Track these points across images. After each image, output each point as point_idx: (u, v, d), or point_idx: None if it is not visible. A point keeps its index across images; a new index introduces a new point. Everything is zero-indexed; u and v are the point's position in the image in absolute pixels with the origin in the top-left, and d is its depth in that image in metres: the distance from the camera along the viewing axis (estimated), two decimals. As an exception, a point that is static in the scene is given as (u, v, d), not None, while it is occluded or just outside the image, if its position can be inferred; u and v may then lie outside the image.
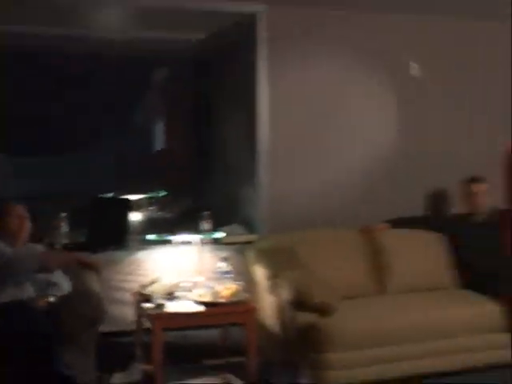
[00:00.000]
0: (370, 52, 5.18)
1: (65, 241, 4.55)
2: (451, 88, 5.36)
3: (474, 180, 4.75)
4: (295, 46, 4.96)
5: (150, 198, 5.94)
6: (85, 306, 3.58)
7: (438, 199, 5.29)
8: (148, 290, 4.01)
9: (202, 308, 3.87)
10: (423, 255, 4.67)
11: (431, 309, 4.14)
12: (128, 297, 4.40)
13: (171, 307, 3.87)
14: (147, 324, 3.93)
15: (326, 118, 5.08)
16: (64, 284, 3.60)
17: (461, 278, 4.65)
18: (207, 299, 3.92)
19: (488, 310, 3.78)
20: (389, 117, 5.32)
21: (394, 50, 5.23)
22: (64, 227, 4.60)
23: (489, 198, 4.61)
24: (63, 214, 4.60)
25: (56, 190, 5.55)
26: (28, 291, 3.29)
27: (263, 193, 4.96)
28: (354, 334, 3.73)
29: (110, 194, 5.61)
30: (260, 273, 4.27)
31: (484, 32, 5.30)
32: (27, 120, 5.90)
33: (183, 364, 4.20)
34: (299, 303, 3.75)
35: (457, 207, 4.98)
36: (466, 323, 4.00)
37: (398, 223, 4.83)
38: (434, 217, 5.16)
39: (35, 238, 3.94)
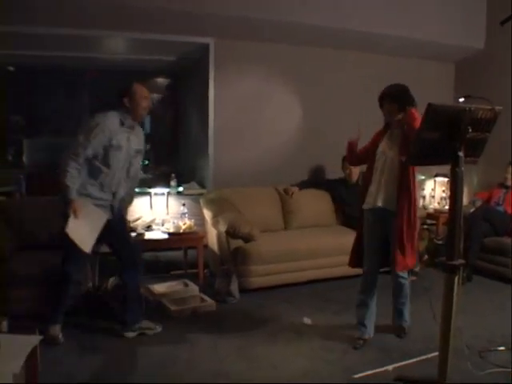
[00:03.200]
0: (283, 72, 6.11)
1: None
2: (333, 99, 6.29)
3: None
4: (233, 65, 5.87)
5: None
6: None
7: (320, 170, 6.29)
8: (134, 224, 4.99)
9: (167, 236, 4.94)
10: (315, 204, 5.75)
11: (318, 237, 5.19)
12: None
13: (148, 235, 4.93)
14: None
15: (254, 112, 5.94)
16: None
17: (338, 218, 5.80)
18: (172, 230, 4.98)
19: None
20: (296, 113, 6.21)
21: (300, 72, 6.17)
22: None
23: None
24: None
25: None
26: None
27: (211, 161, 5.86)
28: (267, 254, 4.75)
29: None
30: (207, 214, 5.26)
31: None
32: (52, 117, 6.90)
33: (157, 274, 5.14)
34: (231, 234, 4.74)
35: (335, 175, 5.99)
36: (338, 247, 4.84)
37: (301, 185, 5.85)
38: (323, 180, 6.14)
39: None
